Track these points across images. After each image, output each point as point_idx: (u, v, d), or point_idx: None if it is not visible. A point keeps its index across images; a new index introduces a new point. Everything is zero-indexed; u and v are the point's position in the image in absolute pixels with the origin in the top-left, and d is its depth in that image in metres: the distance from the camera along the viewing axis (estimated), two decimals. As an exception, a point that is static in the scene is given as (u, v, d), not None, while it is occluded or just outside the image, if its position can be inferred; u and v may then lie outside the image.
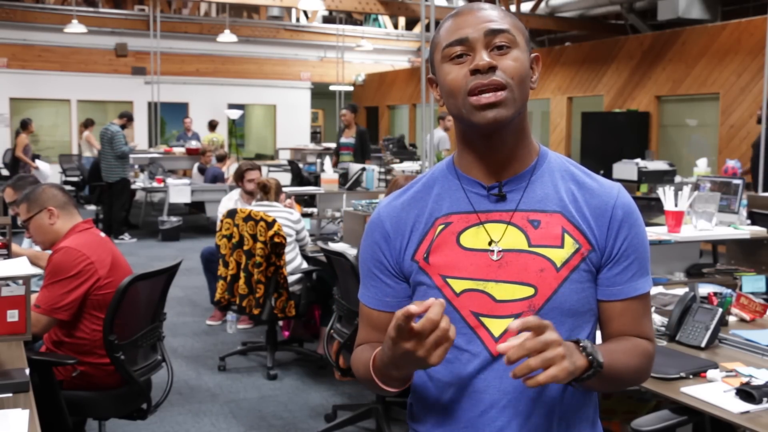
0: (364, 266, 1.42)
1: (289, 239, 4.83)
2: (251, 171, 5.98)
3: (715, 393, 2.17)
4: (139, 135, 15.58)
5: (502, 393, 1.29)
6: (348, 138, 9.51)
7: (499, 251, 1.29)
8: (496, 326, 1.28)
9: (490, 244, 1.30)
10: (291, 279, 4.81)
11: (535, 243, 1.29)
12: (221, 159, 11.21)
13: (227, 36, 14.54)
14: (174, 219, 10.20)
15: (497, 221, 1.31)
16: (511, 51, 1.26)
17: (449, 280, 1.30)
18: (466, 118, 1.27)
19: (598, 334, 1.37)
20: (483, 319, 1.29)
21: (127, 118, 10.24)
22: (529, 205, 1.31)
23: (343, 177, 7.26)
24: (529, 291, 1.28)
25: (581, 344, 1.20)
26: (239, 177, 6.03)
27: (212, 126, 14.60)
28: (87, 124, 13.56)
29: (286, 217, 5.00)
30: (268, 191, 5.23)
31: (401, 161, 11.05)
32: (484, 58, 1.24)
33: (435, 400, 1.34)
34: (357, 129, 9.54)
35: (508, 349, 1.11)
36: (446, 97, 1.29)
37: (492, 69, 1.24)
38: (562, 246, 1.29)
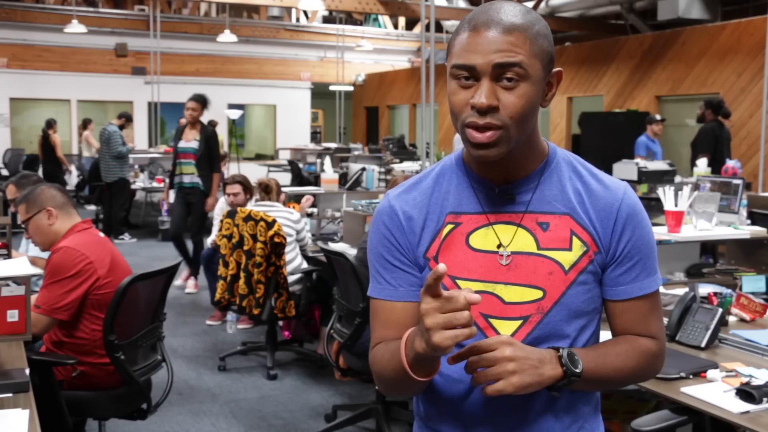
0: (377, 258, 1.35)
1: (289, 239, 4.83)
2: (230, 185, 5.71)
3: (715, 393, 2.17)
4: (139, 135, 15.59)
5: (509, 394, 1.29)
6: (189, 141, 7.03)
7: (508, 254, 1.29)
8: (505, 328, 1.29)
9: (498, 247, 1.30)
10: (291, 279, 4.81)
11: (543, 246, 1.29)
12: (221, 159, 11.19)
13: (227, 36, 14.54)
14: (174, 219, 10.17)
15: (507, 223, 1.31)
16: (518, 85, 1.21)
17: (459, 282, 1.30)
18: (462, 142, 1.28)
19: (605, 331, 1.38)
20: (492, 320, 1.29)
21: (125, 119, 10.25)
22: (538, 207, 1.30)
23: (343, 177, 7.27)
24: (537, 294, 1.28)
25: (559, 353, 1.23)
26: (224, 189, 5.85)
27: (211, 126, 14.58)
28: (85, 123, 13.60)
29: (287, 217, 5.00)
30: (269, 191, 5.22)
31: (401, 161, 11.06)
32: (482, 99, 1.19)
33: (442, 397, 1.34)
34: (204, 129, 7.11)
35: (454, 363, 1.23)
36: (450, 113, 1.27)
37: (491, 109, 1.20)
38: (570, 248, 1.29)
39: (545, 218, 1.30)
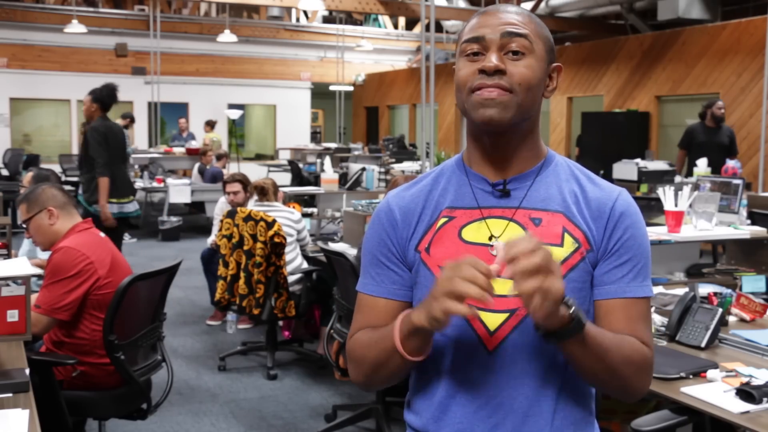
0: (369, 255, 1.40)
1: (289, 239, 4.83)
2: (230, 184, 5.60)
3: (715, 393, 2.17)
4: (139, 135, 15.59)
5: (498, 389, 1.30)
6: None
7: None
8: (492, 320, 1.29)
9: (490, 239, 1.31)
10: (291, 279, 4.81)
11: None
12: (220, 158, 11.21)
13: (227, 36, 14.54)
14: (174, 219, 10.19)
15: (499, 217, 1.33)
16: (524, 57, 1.28)
17: None
18: (468, 113, 1.30)
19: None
20: (479, 312, 1.29)
21: (129, 119, 10.26)
22: (532, 204, 1.33)
23: (343, 177, 7.27)
24: None
25: (566, 300, 1.17)
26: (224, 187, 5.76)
27: (210, 125, 14.60)
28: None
29: (287, 216, 5.00)
30: (265, 193, 5.20)
31: (400, 161, 11.07)
32: (492, 60, 1.26)
33: (432, 396, 1.36)
34: (97, 125, 5.48)
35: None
36: (456, 91, 1.32)
37: (499, 72, 1.26)
38: (561, 245, 1.30)
39: (538, 214, 1.32)
